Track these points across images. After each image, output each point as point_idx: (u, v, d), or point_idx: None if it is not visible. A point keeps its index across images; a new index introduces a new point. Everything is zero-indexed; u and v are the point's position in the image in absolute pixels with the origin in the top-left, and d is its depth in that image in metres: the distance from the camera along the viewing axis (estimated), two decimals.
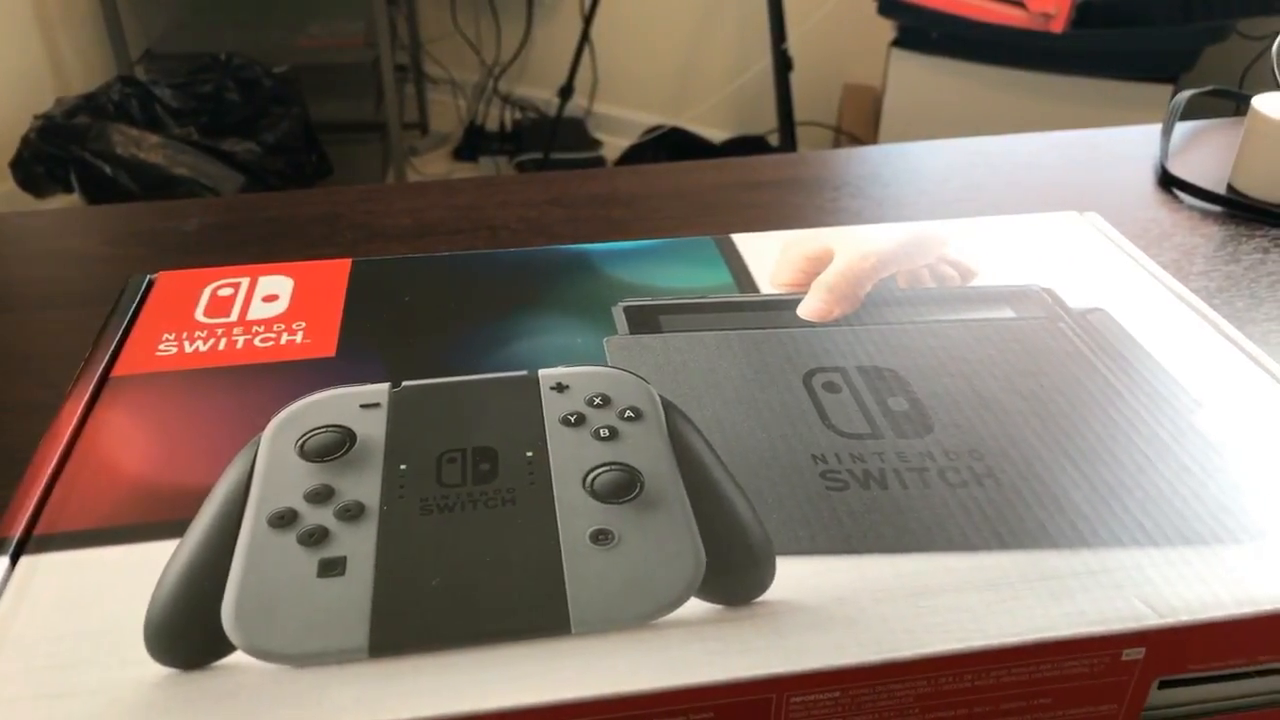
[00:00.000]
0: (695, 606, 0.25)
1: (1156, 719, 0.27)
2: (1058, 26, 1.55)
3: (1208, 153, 0.64)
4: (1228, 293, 0.49)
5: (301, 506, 0.28)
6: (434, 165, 2.47)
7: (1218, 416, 0.32)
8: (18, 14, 2.02)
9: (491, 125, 2.54)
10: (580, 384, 0.32)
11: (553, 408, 0.31)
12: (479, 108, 2.55)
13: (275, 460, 0.29)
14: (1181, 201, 0.58)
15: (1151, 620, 0.25)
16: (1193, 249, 0.53)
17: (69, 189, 1.73)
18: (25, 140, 1.72)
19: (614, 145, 2.39)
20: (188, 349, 0.35)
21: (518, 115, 2.54)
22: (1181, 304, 0.38)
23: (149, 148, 1.70)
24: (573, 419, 0.31)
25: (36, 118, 1.74)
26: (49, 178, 1.72)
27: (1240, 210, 0.56)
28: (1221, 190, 0.59)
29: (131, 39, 2.14)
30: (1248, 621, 0.25)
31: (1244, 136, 0.58)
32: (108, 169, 1.67)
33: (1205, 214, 0.57)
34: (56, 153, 1.69)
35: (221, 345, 0.35)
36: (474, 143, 2.49)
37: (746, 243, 0.41)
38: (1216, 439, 0.31)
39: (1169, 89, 1.58)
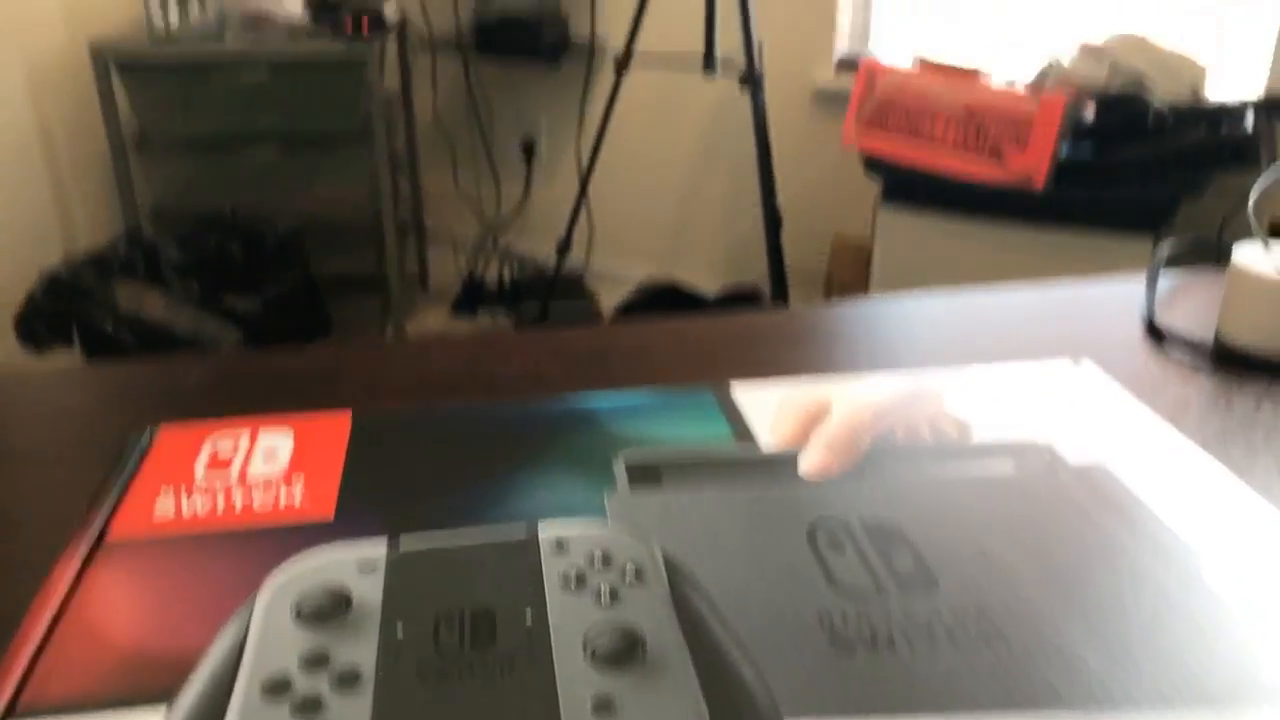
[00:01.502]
0: None
1: None
2: (1038, 184, 1.60)
3: (1194, 304, 0.65)
4: (1224, 443, 0.49)
5: (295, 673, 0.27)
6: (433, 319, 2.51)
7: (1226, 570, 0.31)
8: (29, 168, 2.08)
9: (490, 279, 2.59)
10: (580, 543, 0.32)
11: (553, 568, 0.31)
12: (478, 262, 2.61)
13: (270, 624, 0.29)
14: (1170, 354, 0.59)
15: None
16: (1185, 400, 0.53)
17: (69, 343, 1.75)
18: (31, 298, 1.75)
19: (610, 297, 2.43)
20: (185, 509, 0.34)
21: (515, 270, 2.59)
22: (1180, 455, 0.38)
23: (150, 304, 1.73)
24: (573, 581, 0.30)
25: (43, 275, 1.77)
26: (51, 333, 1.75)
27: (1229, 363, 0.57)
28: (1210, 339, 0.60)
29: (140, 195, 2.20)
30: None
31: (1227, 288, 0.60)
32: (109, 326, 1.69)
33: (1195, 365, 0.57)
34: (60, 310, 1.72)
35: (220, 506, 0.35)
36: (473, 297, 2.53)
37: (744, 394, 0.41)
38: (1226, 594, 0.30)
39: (1152, 238, 1.62)
